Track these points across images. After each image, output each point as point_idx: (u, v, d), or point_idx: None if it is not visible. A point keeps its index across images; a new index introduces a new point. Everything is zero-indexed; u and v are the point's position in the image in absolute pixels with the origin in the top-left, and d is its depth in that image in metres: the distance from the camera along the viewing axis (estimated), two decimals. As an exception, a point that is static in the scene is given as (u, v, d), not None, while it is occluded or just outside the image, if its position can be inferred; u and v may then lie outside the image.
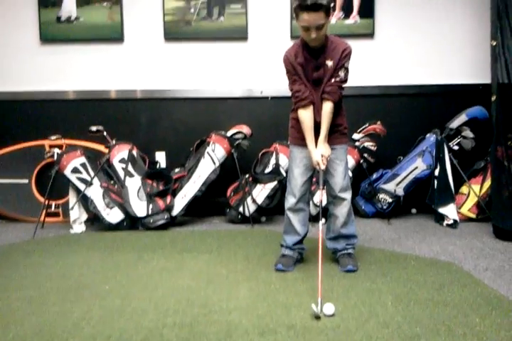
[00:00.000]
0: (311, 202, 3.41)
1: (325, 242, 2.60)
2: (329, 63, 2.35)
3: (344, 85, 2.41)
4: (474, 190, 3.53)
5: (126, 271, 2.52)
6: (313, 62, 2.37)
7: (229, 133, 3.63)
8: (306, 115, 2.39)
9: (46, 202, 3.50)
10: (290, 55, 2.39)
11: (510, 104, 3.25)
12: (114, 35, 3.78)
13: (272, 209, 3.54)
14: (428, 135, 3.63)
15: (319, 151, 2.38)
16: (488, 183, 3.47)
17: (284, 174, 3.45)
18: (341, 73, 2.36)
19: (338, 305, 1.99)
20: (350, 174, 3.52)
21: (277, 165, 3.54)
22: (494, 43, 3.30)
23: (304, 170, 2.49)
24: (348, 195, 2.51)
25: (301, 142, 2.45)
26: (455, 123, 3.60)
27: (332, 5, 2.28)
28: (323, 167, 2.38)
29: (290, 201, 2.52)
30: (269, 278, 2.37)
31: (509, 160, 3.21)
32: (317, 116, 2.41)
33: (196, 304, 2.06)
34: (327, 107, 2.38)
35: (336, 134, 2.47)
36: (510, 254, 2.73)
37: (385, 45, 3.82)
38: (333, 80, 2.36)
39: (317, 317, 1.90)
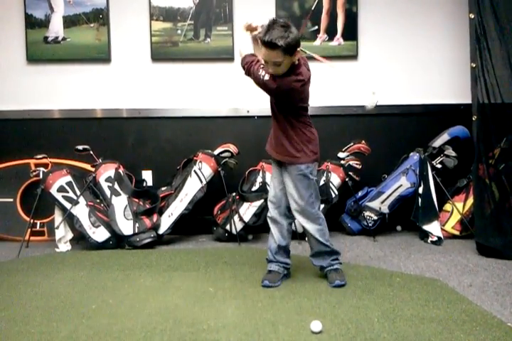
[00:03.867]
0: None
1: (310, 260, 2.62)
2: None
3: None
4: (457, 208, 3.58)
5: (112, 289, 2.50)
6: None
7: (216, 152, 3.65)
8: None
9: (31, 221, 3.47)
10: None
11: (490, 124, 3.33)
12: (101, 55, 3.81)
13: (259, 227, 3.54)
14: (411, 154, 3.70)
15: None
16: (470, 201, 3.53)
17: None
18: None
19: (325, 322, 2.00)
20: (320, 197, 3.53)
21: (264, 183, 3.57)
22: (474, 65, 3.39)
23: (279, 181, 2.58)
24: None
25: None
26: (438, 142, 3.67)
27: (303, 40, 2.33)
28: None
29: (269, 209, 2.64)
30: (256, 295, 2.37)
31: (490, 178, 3.28)
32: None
33: (183, 323, 2.06)
34: None
35: (287, 157, 2.48)
36: (493, 271, 2.78)
37: (368, 66, 3.90)
38: None
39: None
